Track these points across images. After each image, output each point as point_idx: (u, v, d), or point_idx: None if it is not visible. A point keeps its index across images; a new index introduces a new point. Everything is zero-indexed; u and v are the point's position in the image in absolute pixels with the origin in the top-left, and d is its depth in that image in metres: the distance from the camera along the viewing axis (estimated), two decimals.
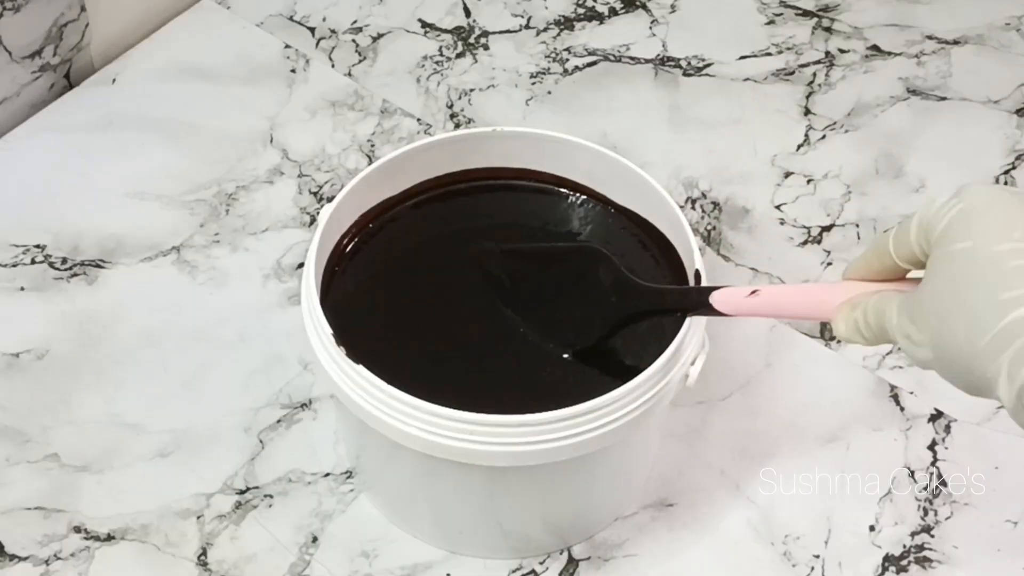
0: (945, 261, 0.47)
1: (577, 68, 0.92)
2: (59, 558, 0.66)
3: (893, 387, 0.74)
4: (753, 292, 0.57)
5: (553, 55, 0.93)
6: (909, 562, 0.67)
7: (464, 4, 0.97)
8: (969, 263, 0.46)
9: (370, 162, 0.82)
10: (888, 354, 0.76)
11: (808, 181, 0.86)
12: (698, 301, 0.59)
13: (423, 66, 0.92)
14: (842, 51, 0.94)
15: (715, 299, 0.58)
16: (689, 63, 0.93)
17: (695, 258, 0.62)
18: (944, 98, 0.91)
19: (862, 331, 0.52)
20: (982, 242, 0.46)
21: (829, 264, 0.81)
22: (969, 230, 0.46)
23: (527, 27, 0.95)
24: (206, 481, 0.69)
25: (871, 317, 0.51)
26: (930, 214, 0.48)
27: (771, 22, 0.97)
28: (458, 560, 0.67)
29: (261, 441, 0.71)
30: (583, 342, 0.63)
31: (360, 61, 0.92)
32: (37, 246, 0.79)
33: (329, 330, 0.58)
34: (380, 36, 0.94)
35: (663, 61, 0.93)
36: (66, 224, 0.81)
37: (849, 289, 0.53)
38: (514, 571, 0.67)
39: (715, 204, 0.84)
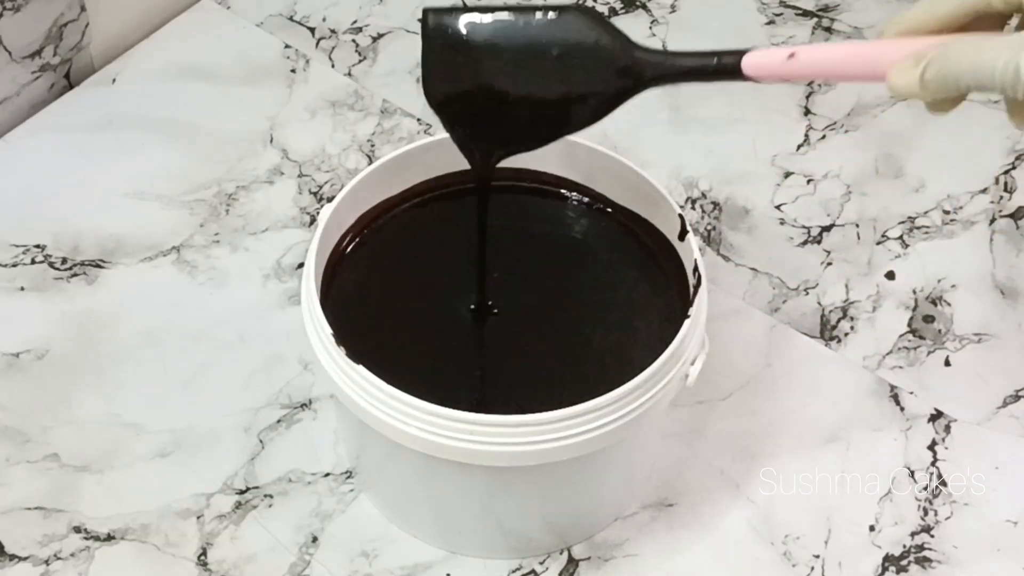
0: None
1: None
2: (59, 558, 0.66)
3: (893, 387, 0.74)
4: (791, 55, 0.52)
5: None
6: (909, 562, 0.67)
7: (464, 4, 0.97)
8: None
9: (370, 162, 0.82)
10: (888, 354, 0.76)
11: (808, 181, 0.86)
12: (725, 65, 0.54)
13: None
14: None
15: (747, 64, 0.53)
16: None
17: (695, 258, 0.62)
18: None
19: (929, 84, 0.48)
20: None
21: (829, 264, 0.81)
22: None
23: None
24: (206, 481, 0.69)
25: (950, 65, 0.47)
26: None
27: (771, 22, 0.97)
28: (458, 560, 0.67)
29: (261, 441, 0.71)
30: (587, 120, 0.58)
31: (360, 61, 0.92)
32: (37, 246, 0.79)
33: (329, 330, 0.59)
34: (380, 36, 0.94)
35: None
36: (66, 224, 0.81)
37: (902, 45, 0.50)
38: (514, 571, 0.67)
39: (715, 204, 0.84)
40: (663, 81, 0.57)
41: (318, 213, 0.79)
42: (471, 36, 0.57)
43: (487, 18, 0.57)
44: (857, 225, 0.83)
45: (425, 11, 0.57)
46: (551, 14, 0.56)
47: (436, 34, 0.57)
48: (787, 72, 0.53)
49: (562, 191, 0.70)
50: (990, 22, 0.51)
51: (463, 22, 0.57)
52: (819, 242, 0.82)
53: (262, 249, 0.80)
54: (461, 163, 0.68)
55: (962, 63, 0.48)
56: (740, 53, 0.54)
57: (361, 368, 0.57)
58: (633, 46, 0.56)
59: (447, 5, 0.96)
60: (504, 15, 0.57)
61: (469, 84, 0.58)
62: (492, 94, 0.57)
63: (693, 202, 0.84)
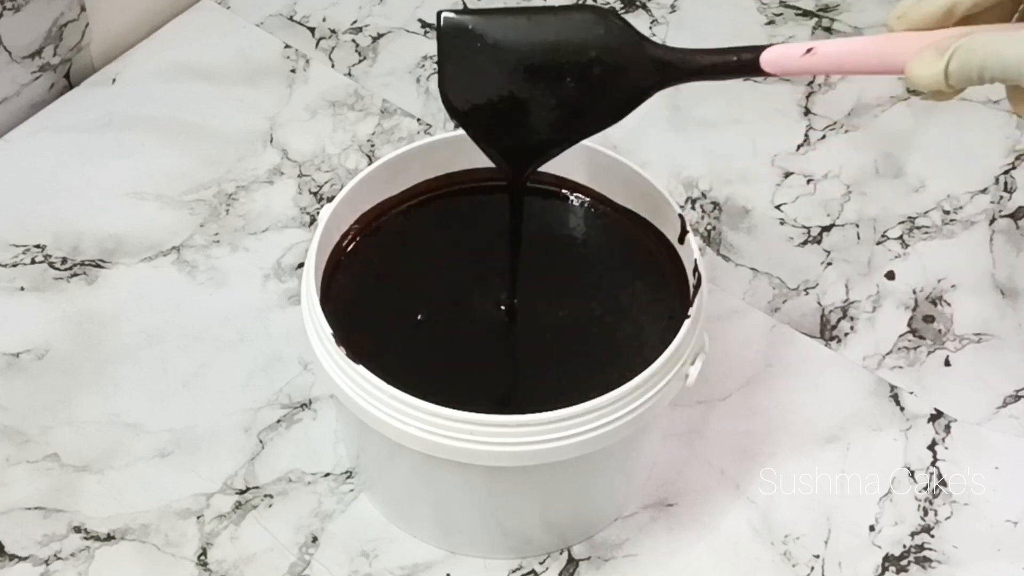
0: None
1: None
2: (59, 558, 0.66)
3: (893, 387, 0.74)
4: (809, 50, 0.53)
5: None
6: (909, 562, 0.67)
7: (464, 4, 0.97)
8: None
9: (370, 162, 0.82)
10: (888, 354, 0.76)
11: (808, 181, 0.86)
12: (745, 62, 0.55)
13: (423, 66, 0.92)
14: None
15: (766, 60, 0.54)
16: None
17: (695, 258, 0.62)
18: None
19: (953, 75, 0.49)
20: None
21: (829, 264, 0.81)
22: None
23: None
24: (206, 481, 0.69)
25: (975, 56, 0.48)
26: None
27: (771, 22, 0.97)
28: (458, 560, 0.67)
29: (261, 441, 0.71)
30: (610, 120, 0.58)
31: (360, 61, 0.92)
32: (37, 246, 0.79)
33: (329, 330, 0.59)
34: (380, 36, 0.94)
35: None
36: (66, 224, 0.81)
37: (919, 38, 0.50)
38: (514, 571, 0.67)
39: (715, 204, 0.84)
40: (685, 79, 0.57)
41: (318, 213, 0.79)
42: (490, 38, 0.56)
43: (506, 19, 0.57)
44: (857, 225, 0.83)
45: (440, 14, 0.57)
46: (569, 14, 0.56)
47: (453, 38, 0.57)
48: (806, 67, 0.53)
49: (562, 191, 0.70)
50: (997, 13, 0.51)
51: (481, 24, 0.56)
52: (819, 242, 0.82)
53: (262, 249, 0.80)
54: (461, 163, 0.69)
55: (987, 54, 0.48)
56: (759, 49, 0.54)
57: (361, 368, 0.57)
58: (653, 44, 0.56)
59: (456, 7, 0.96)
60: (523, 16, 0.57)
61: (491, 90, 0.57)
62: (515, 99, 0.57)
63: (693, 202, 0.84)
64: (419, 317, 0.65)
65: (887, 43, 0.52)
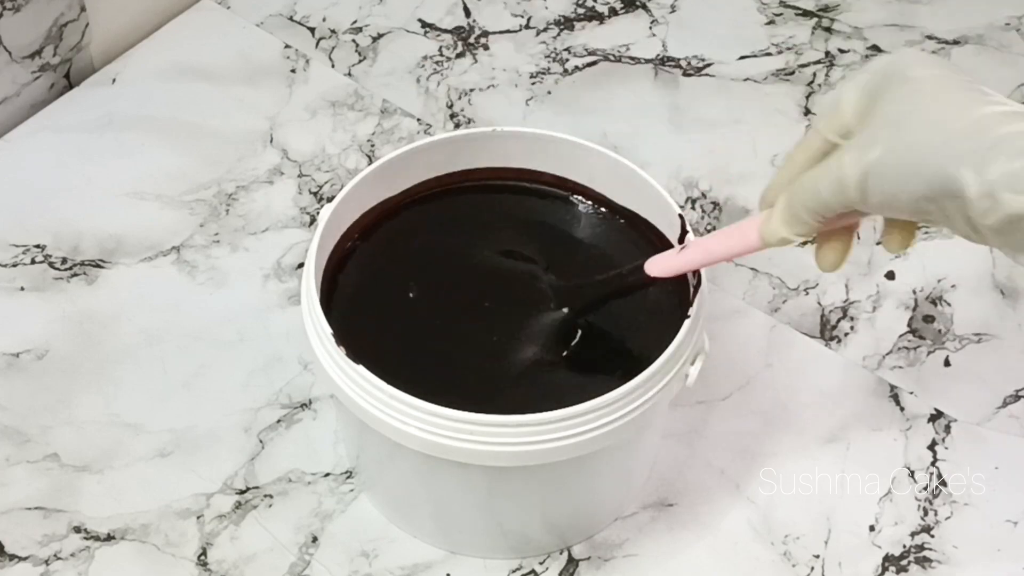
0: (902, 90, 0.47)
1: (577, 68, 0.93)
2: (59, 558, 0.66)
3: (893, 387, 0.74)
4: (682, 248, 0.60)
5: (553, 55, 0.93)
6: (909, 562, 0.67)
7: (464, 4, 0.97)
8: (933, 81, 0.47)
9: (370, 162, 0.82)
10: (888, 354, 0.76)
11: None
12: (636, 278, 0.61)
13: (423, 66, 0.92)
14: (842, 51, 0.94)
15: (649, 267, 0.61)
16: (689, 63, 0.93)
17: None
18: None
19: (784, 223, 0.52)
20: (934, 73, 0.47)
21: None
22: (914, 67, 0.48)
23: (527, 27, 0.95)
24: (206, 481, 0.69)
25: (793, 199, 0.51)
26: (865, 76, 0.50)
27: (771, 22, 0.97)
28: (458, 560, 0.67)
29: (261, 441, 0.71)
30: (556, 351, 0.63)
31: (360, 61, 0.92)
32: (37, 246, 0.79)
33: (329, 330, 0.58)
34: (380, 36, 0.94)
35: (663, 61, 0.93)
36: (66, 224, 0.81)
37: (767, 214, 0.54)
38: (514, 571, 0.67)
39: (715, 204, 0.84)
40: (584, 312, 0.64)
41: (318, 213, 0.79)
42: None
43: None
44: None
45: None
46: None
47: None
48: (682, 264, 0.60)
49: (562, 191, 0.70)
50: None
51: None
52: None
53: (262, 249, 0.80)
54: (461, 163, 0.69)
55: (801, 192, 0.51)
56: (641, 265, 0.61)
57: (361, 368, 0.57)
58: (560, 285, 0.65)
59: (454, 6, 0.96)
60: None
61: None
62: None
63: (693, 202, 0.84)
64: (419, 317, 0.65)
65: (743, 225, 0.56)
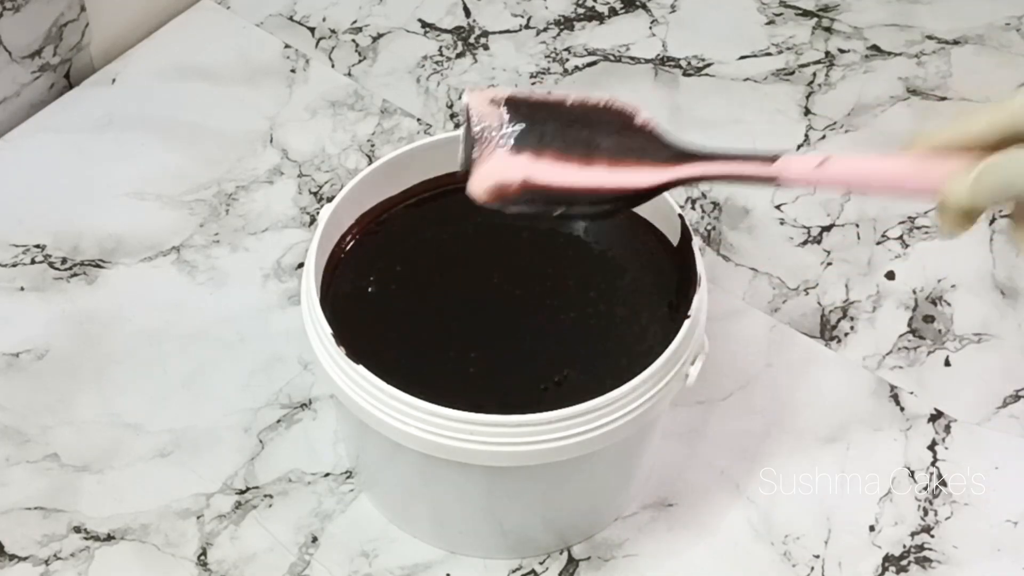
0: None
1: (577, 68, 0.93)
2: (59, 558, 0.66)
3: (893, 387, 0.74)
4: (823, 161, 0.53)
5: (553, 55, 0.93)
6: (909, 562, 0.67)
7: (464, 4, 0.97)
8: None
9: (370, 162, 0.82)
10: (888, 354, 0.76)
11: None
12: (757, 170, 0.55)
13: (423, 66, 0.92)
14: (842, 51, 0.94)
15: (780, 167, 0.54)
16: (689, 63, 0.93)
17: (695, 258, 0.62)
18: (944, 98, 0.91)
19: (984, 192, 0.50)
20: None
21: (829, 264, 0.81)
22: None
23: (527, 27, 0.95)
24: (206, 481, 0.69)
25: (1008, 173, 0.49)
26: None
27: (771, 22, 0.97)
28: (458, 560, 0.67)
29: (261, 441, 0.71)
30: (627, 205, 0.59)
31: (360, 61, 0.92)
32: (37, 246, 0.79)
33: (329, 330, 0.59)
34: (380, 36, 0.94)
35: (663, 61, 0.93)
36: (66, 224, 0.81)
37: (943, 161, 0.51)
38: (514, 571, 0.67)
39: (715, 204, 0.84)
40: (699, 180, 0.57)
41: (318, 213, 0.79)
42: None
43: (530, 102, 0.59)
44: (857, 225, 0.83)
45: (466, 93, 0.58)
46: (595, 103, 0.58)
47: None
48: (817, 177, 0.54)
49: None
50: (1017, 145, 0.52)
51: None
52: (819, 242, 0.82)
53: (262, 249, 0.80)
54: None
55: (999, 174, 0.49)
56: (772, 158, 0.55)
57: (361, 368, 0.57)
58: (671, 145, 0.57)
59: (455, 9, 0.96)
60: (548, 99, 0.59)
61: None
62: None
63: (693, 202, 0.84)
64: (419, 317, 0.65)
65: (915, 162, 0.52)
